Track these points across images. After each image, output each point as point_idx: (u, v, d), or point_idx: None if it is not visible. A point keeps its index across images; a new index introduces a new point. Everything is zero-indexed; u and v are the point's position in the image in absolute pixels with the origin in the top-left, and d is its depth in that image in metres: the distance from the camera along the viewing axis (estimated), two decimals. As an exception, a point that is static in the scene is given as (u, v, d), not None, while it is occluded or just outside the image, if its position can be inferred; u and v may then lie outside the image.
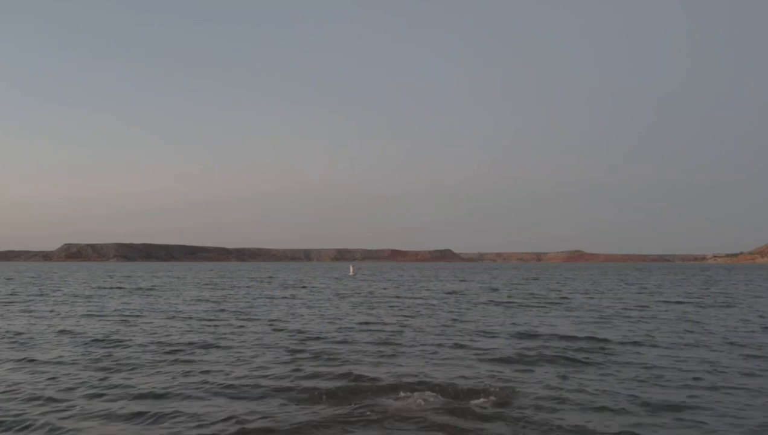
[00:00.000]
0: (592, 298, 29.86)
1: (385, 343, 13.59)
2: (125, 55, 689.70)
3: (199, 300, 27.82)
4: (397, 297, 30.30)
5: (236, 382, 9.57)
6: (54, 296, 30.82)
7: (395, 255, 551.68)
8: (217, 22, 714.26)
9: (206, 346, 13.13)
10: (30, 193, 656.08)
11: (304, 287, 40.93)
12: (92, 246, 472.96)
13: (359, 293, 33.74)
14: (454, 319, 18.87)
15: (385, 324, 17.46)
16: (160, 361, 11.42)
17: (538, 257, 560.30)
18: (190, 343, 13.51)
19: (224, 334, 15.20)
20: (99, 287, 40.71)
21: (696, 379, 9.86)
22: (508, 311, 21.99)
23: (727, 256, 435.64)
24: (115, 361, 11.48)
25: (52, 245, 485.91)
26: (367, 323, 17.67)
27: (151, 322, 17.99)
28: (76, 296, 30.83)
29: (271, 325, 17.24)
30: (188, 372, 10.41)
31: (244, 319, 18.82)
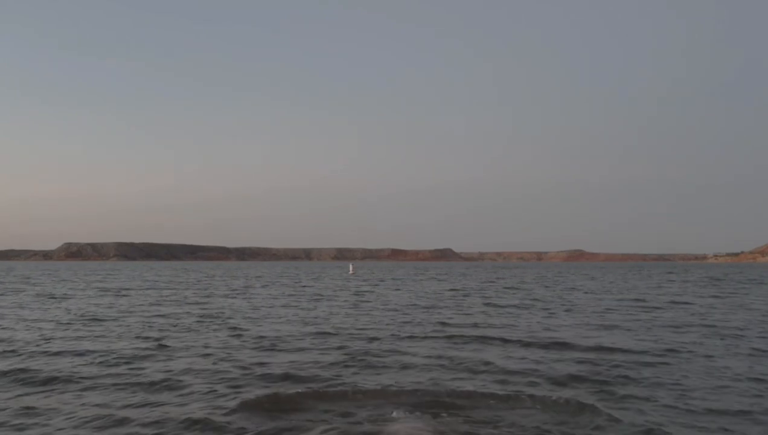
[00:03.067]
0: (604, 297, 27.43)
1: (371, 353, 11.13)
2: (125, 55, 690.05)
3: (171, 301, 25.47)
4: (391, 296, 27.88)
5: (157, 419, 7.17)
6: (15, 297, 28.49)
7: (395, 254, 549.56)
8: (217, 22, 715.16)
9: (143, 359, 10.69)
10: (30, 193, 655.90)
11: (294, 286, 38.59)
12: (92, 245, 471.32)
13: (354, 292, 31.33)
14: (454, 322, 16.45)
15: (376, 327, 15.00)
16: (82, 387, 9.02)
17: (539, 257, 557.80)
18: (131, 356, 11.10)
19: (169, 346, 12.42)
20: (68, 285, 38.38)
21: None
22: (514, 313, 19.57)
23: (728, 255, 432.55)
24: (22, 380, 9.08)
25: (52, 244, 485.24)
26: (356, 326, 15.21)
27: (101, 327, 15.60)
28: (41, 296, 28.50)
29: (238, 329, 14.81)
30: (100, 406, 7.96)
31: (213, 323, 16.38)
